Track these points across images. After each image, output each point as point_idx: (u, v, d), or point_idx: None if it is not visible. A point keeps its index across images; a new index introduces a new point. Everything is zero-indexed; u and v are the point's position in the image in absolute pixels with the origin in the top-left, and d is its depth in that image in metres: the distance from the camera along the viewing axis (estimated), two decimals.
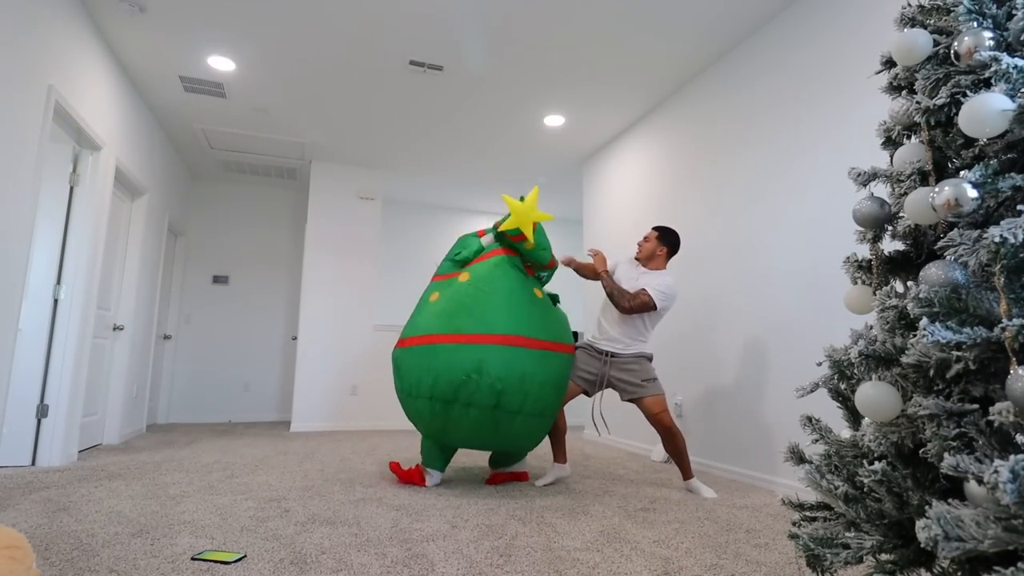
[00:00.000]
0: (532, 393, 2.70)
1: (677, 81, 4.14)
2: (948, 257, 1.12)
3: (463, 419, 2.70)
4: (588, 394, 3.09)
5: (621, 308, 2.95)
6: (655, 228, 3.16)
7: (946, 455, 1.00)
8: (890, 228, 1.40)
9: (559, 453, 3.10)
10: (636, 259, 3.16)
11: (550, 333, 2.87)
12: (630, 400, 3.00)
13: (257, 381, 6.41)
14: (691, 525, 2.31)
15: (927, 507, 0.99)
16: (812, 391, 1.43)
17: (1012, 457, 0.87)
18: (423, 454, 3.00)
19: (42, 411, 3.39)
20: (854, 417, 1.40)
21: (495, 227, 3.13)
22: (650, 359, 3.06)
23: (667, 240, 3.10)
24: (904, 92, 1.40)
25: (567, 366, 2.93)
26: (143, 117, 4.58)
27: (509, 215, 2.97)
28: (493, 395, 2.63)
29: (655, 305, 2.92)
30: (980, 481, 0.94)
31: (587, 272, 3.26)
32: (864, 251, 1.47)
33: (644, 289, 2.93)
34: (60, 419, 3.42)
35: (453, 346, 2.69)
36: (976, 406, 1.05)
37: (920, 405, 1.09)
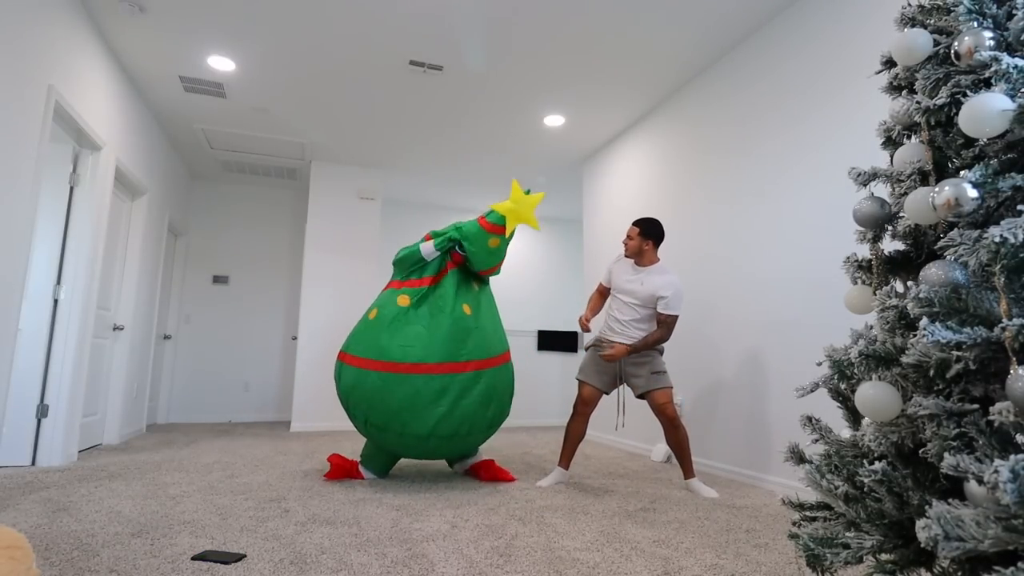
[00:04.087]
0: (468, 416, 2.83)
1: (677, 81, 4.14)
2: (948, 257, 1.12)
3: (404, 443, 2.85)
4: (607, 392, 3.12)
5: (665, 340, 3.03)
6: (635, 223, 3.13)
7: (946, 455, 1.00)
8: (890, 228, 1.40)
9: (565, 457, 3.11)
10: (626, 257, 3.16)
11: (480, 351, 2.90)
12: (642, 395, 3.04)
13: (257, 381, 6.41)
14: (691, 525, 2.31)
15: (927, 507, 0.99)
16: (812, 391, 1.43)
17: (1012, 457, 0.87)
18: (363, 456, 3.13)
19: (42, 411, 3.39)
20: (854, 417, 1.40)
21: (441, 236, 3.02)
22: (661, 352, 3.11)
23: (650, 233, 3.09)
24: (904, 92, 1.40)
25: (499, 376, 2.98)
26: (143, 117, 4.58)
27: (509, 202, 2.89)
28: (428, 427, 2.76)
29: (677, 314, 3.00)
30: (980, 481, 0.94)
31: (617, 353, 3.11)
32: (864, 251, 1.47)
33: (660, 313, 3.00)
34: (60, 419, 3.42)
35: (386, 375, 2.77)
36: (976, 406, 1.05)
37: (920, 405, 1.09)
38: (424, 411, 2.74)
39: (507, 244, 3.01)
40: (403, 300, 2.92)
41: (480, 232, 2.92)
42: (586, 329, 3.10)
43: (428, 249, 2.99)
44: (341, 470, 3.06)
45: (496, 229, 2.90)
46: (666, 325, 2.98)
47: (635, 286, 3.05)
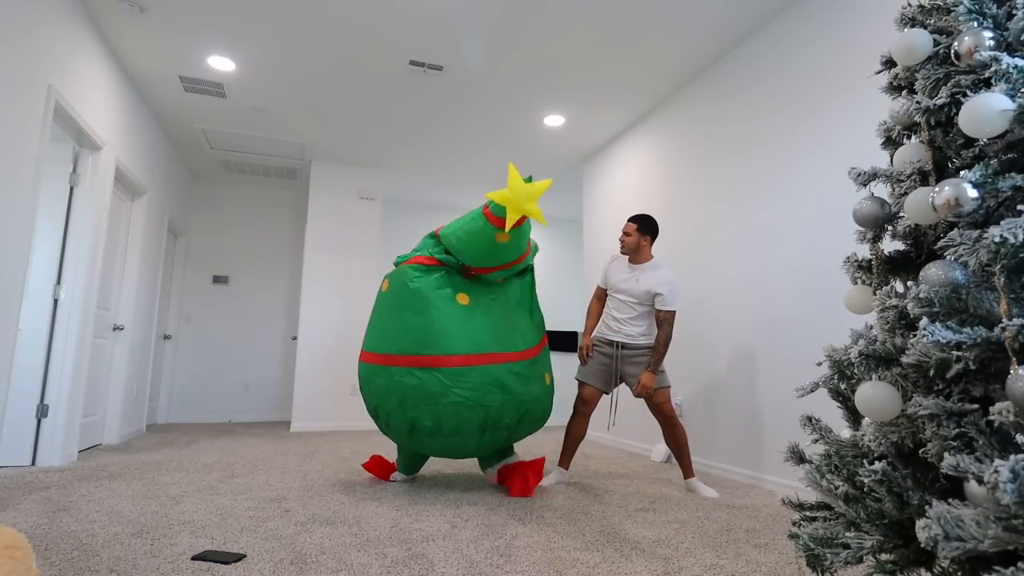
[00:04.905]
0: (440, 416, 2.59)
1: (677, 81, 4.14)
2: (948, 257, 1.12)
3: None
4: (607, 392, 3.11)
5: (670, 340, 3.02)
6: (631, 220, 3.13)
7: (946, 455, 1.00)
8: (890, 228, 1.40)
9: (566, 457, 3.11)
10: (622, 254, 3.16)
11: (463, 346, 2.61)
12: (638, 394, 3.02)
13: (257, 381, 6.41)
14: (691, 525, 2.31)
15: (927, 507, 0.99)
16: (812, 391, 1.43)
17: (1012, 457, 0.87)
18: (399, 460, 3.10)
19: (42, 411, 3.39)
20: (854, 417, 1.40)
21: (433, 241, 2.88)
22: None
23: (647, 229, 3.11)
24: (904, 92, 1.40)
25: (529, 369, 2.77)
26: (143, 117, 4.58)
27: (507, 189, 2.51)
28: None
29: (675, 310, 3.00)
30: (980, 481, 0.94)
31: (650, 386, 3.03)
32: (864, 251, 1.47)
33: (659, 311, 3.00)
34: (60, 419, 3.42)
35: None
36: (976, 406, 1.05)
37: (920, 405, 1.09)
38: (390, 400, 2.62)
39: (522, 238, 2.63)
40: (384, 285, 2.86)
41: (484, 225, 2.56)
42: (584, 361, 3.10)
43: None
44: (379, 467, 3.10)
45: (497, 222, 2.51)
46: (667, 323, 2.98)
47: (630, 284, 3.05)
